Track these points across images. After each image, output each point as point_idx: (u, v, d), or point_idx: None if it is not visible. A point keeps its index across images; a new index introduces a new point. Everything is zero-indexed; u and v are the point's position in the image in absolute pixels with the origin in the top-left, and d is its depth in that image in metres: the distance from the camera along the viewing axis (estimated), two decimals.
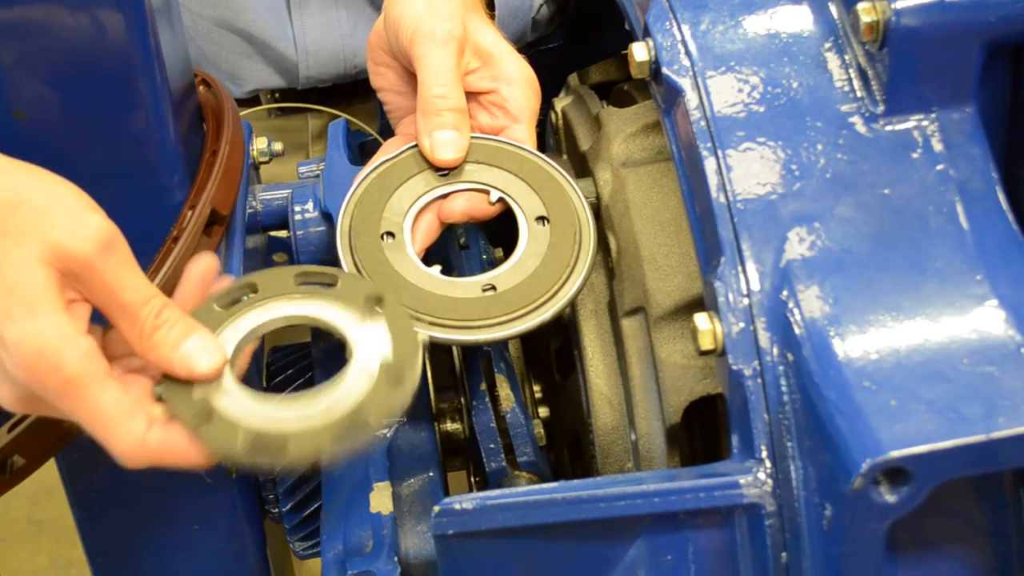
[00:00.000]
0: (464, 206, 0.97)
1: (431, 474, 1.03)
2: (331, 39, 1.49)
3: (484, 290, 0.91)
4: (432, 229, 0.97)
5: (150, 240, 0.91)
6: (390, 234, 0.94)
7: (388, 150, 1.02)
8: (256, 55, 1.49)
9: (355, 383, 0.81)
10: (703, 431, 1.02)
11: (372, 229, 0.94)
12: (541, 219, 0.95)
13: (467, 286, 0.91)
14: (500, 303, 0.90)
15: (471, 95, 1.01)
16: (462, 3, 1.01)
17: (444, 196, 0.98)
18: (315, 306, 0.87)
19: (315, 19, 1.48)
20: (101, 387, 0.75)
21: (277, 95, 1.55)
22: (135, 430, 0.76)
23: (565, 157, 1.15)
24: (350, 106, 1.48)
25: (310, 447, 0.78)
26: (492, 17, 1.19)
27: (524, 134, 1.00)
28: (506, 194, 0.97)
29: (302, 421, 0.79)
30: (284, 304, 0.86)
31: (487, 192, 0.97)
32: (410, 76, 1.03)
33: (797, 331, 0.76)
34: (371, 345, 0.84)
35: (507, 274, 0.92)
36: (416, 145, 0.99)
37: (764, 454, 0.77)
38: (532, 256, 0.93)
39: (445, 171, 0.98)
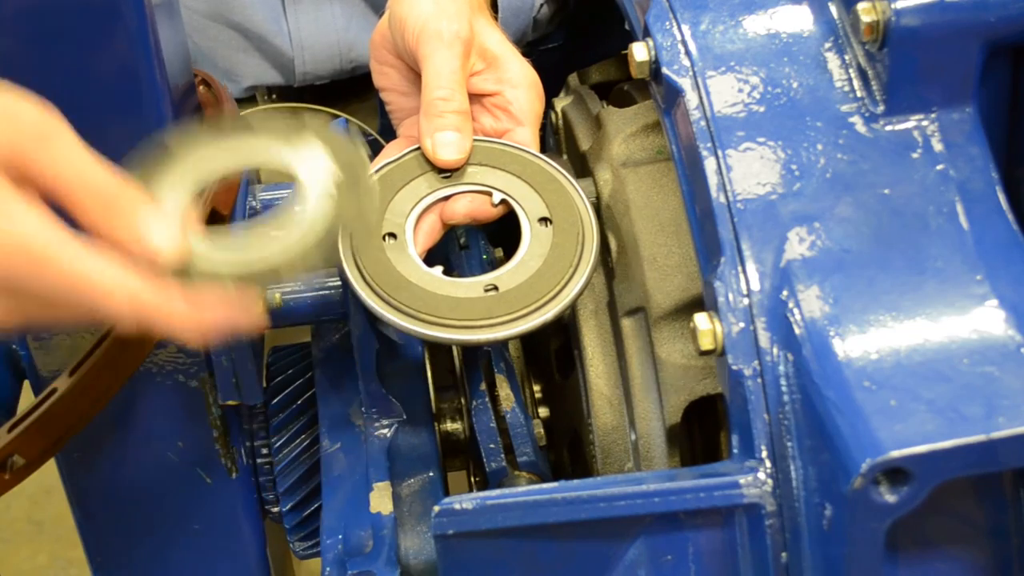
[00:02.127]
0: (467, 207, 0.97)
1: (431, 474, 1.03)
2: (326, 33, 1.49)
3: (486, 290, 0.91)
4: (434, 230, 0.97)
5: None
6: (392, 235, 0.94)
7: (390, 152, 1.02)
8: (252, 50, 1.49)
9: (318, 203, 0.80)
10: (703, 431, 1.02)
11: (374, 231, 0.94)
12: (544, 220, 0.95)
13: (469, 286, 0.91)
14: (502, 303, 0.90)
15: (475, 97, 1.01)
16: (469, 4, 1.01)
17: (446, 198, 0.97)
18: (244, 148, 0.83)
19: (309, 13, 1.48)
20: (75, 248, 0.71)
21: (274, 95, 1.55)
22: (128, 283, 0.72)
23: (565, 157, 1.15)
24: (348, 105, 1.48)
25: (300, 266, 0.77)
26: (496, 18, 1.19)
27: (527, 137, 1.00)
28: (509, 195, 0.97)
29: (284, 248, 0.77)
30: (215, 153, 0.83)
31: (490, 194, 0.97)
32: (414, 76, 1.03)
33: (797, 331, 0.76)
34: (316, 168, 0.81)
35: (509, 274, 0.92)
36: (419, 148, 0.98)
37: (764, 454, 0.77)
38: (535, 256, 0.93)
39: (448, 173, 0.97)
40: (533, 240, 0.94)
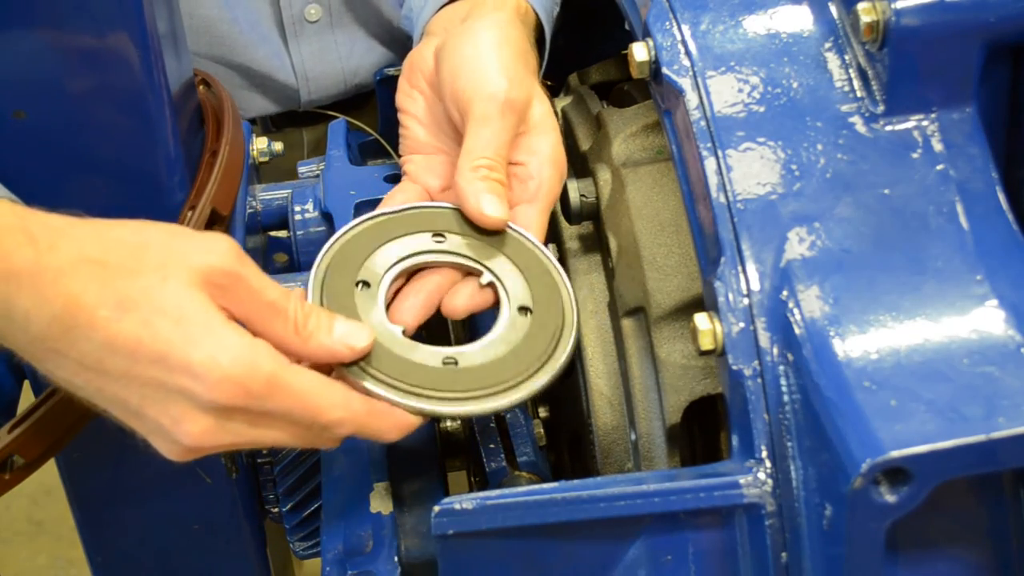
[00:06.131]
0: (466, 305, 0.93)
1: (431, 474, 1.03)
2: (330, 62, 1.51)
3: (445, 362, 0.86)
4: (428, 308, 0.93)
5: None
6: (365, 283, 0.90)
7: (395, 197, 1.00)
8: (255, 87, 1.51)
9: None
10: (703, 431, 1.02)
11: (349, 274, 0.90)
12: (524, 309, 0.91)
13: (428, 354, 0.87)
14: (456, 379, 0.85)
15: None
16: (529, 66, 0.99)
17: (435, 267, 0.94)
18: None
19: (312, 45, 1.49)
20: (296, 372, 0.78)
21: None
22: (340, 397, 0.80)
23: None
24: (346, 114, 1.49)
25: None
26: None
27: (535, 215, 0.96)
28: (496, 277, 0.93)
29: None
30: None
31: (479, 273, 0.93)
32: (440, 111, 1.01)
33: (797, 331, 0.76)
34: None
35: (473, 353, 0.87)
36: (416, 207, 0.96)
37: (764, 454, 0.77)
38: (504, 342, 0.88)
39: (441, 238, 0.94)
40: (508, 326, 0.90)
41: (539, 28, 1.12)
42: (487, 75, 0.95)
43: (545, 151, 0.97)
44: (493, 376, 0.86)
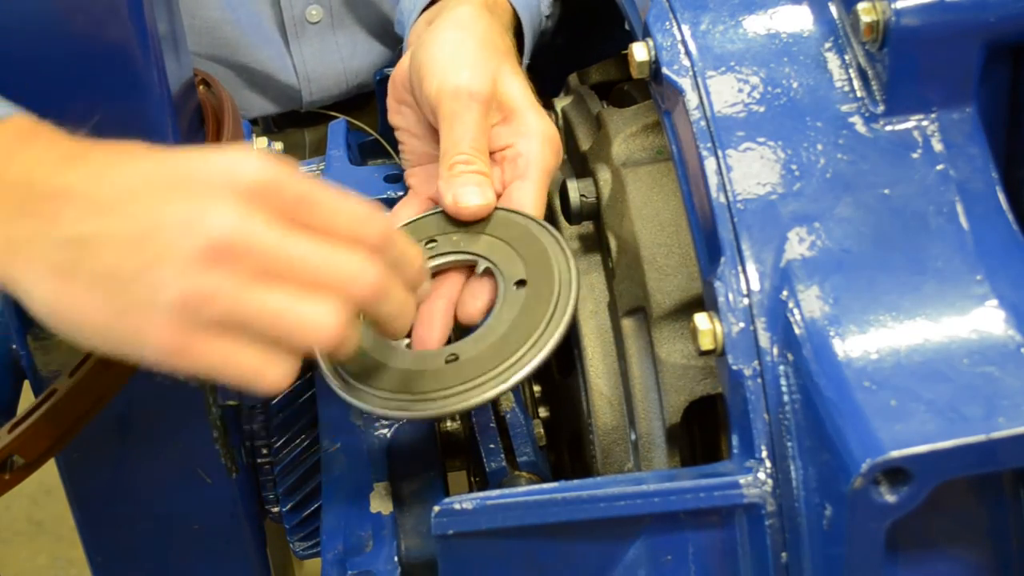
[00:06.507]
0: (481, 306, 0.91)
1: (431, 474, 1.03)
2: (332, 63, 1.51)
3: (447, 361, 0.86)
4: (446, 326, 0.92)
5: None
6: None
7: (401, 213, 1.00)
8: (256, 87, 1.51)
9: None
10: (703, 431, 1.02)
11: None
12: (520, 283, 0.90)
13: (431, 358, 0.87)
14: (459, 373, 0.85)
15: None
16: (494, 49, 0.98)
17: (436, 274, 0.93)
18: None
19: (313, 46, 1.49)
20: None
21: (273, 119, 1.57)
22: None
23: (565, 157, 1.15)
24: (347, 115, 1.49)
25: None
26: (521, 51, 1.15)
27: (529, 191, 0.95)
28: (490, 261, 0.92)
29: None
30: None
31: (473, 264, 0.93)
32: (429, 121, 1.01)
33: (797, 331, 0.76)
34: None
35: (473, 341, 0.87)
36: (406, 223, 0.96)
37: (764, 454, 0.77)
38: (503, 322, 0.88)
39: (433, 242, 0.94)
40: (504, 305, 0.89)
41: (518, 19, 1.12)
42: (447, 73, 0.95)
43: (530, 128, 0.96)
44: (497, 358, 0.85)
